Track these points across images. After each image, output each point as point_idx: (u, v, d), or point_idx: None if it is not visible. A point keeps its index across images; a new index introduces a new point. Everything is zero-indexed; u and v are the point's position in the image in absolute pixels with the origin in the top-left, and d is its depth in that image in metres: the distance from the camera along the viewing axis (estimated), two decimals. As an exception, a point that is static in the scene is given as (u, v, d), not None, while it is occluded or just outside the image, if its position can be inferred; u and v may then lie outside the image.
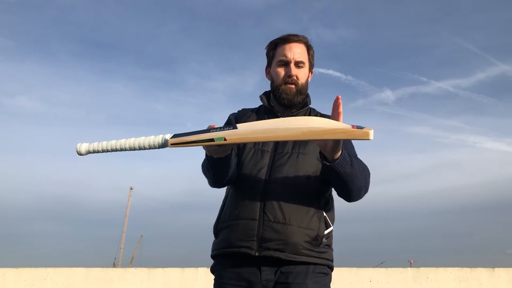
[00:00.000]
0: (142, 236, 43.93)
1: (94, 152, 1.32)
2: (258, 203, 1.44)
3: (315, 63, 1.69)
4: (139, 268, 5.68)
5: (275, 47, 1.64)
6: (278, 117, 1.58)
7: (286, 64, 1.59)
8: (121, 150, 1.31)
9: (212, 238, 1.56)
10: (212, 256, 1.56)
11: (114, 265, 36.92)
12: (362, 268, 5.79)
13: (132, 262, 41.57)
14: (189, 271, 5.51)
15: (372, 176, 1.60)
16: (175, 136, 1.26)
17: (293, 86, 1.58)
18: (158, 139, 1.28)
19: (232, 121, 1.66)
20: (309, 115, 1.63)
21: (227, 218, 1.49)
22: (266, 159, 1.50)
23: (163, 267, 5.61)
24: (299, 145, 1.51)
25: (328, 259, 1.48)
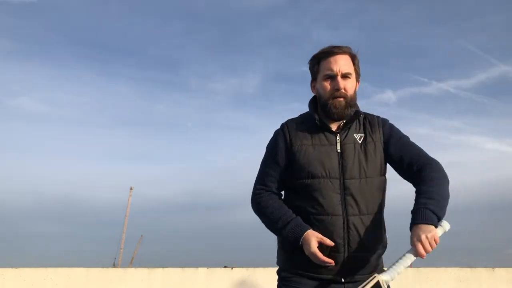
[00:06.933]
0: (142, 236, 43.86)
1: None
2: (342, 236, 1.47)
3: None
4: (139, 268, 5.67)
5: (318, 61, 1.60)
6: (333, 133, 1.57)
7: (332, 77, 1.55)
8: None
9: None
10: (283, 269, 1.60)
11: (114, 265, 36.91)
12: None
13: (132, 262, 41.52)
14: (189, 271, 5.51)
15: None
16: None
17: (342, 99, 1.54)
18: None
19: (281, 145, 1.60)
20: (359, 123, 1.60)
21: None
22: (337, 188, 1.49)
23: (163, 267, 5.61)
24: (364, 170, 1.53)
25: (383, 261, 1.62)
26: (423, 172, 1.48)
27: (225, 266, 5.37)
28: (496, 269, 5.85)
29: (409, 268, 5.94)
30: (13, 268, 5.35)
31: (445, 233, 1.38)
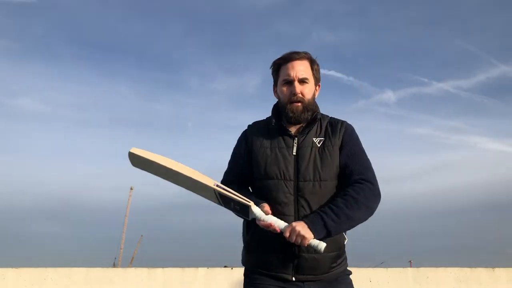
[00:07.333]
0: (142, 236, 43.84)
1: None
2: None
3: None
4: (139, 268, 5.67)
5: (278, 67, 1.66)
6: (291, 137, 1.61)
7: (290, 82, 1.61)
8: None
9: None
10: (247, 269, 1.67)
11: (114, 265, 36.88)
12: (362, 268, 5.79)
13: (132, 262, 41.49)
14: (189, 271, 5.51)
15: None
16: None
17: (299, 104, 1.60)
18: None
19: (242, 145, 1.69)
20: (320, 127, 1.64)
21: (261, 239, 1.56)
22: (291, 189, 1.55)
23: (163, 267, 5.61)
24: (318, 173, 1.56)
25: (346, 264, 1.64)
26: (350, 188, 1.53)
27: (225, 266, 5.38)
28: (496, 269, 5.85)
29: (409, 268, 5.94)
30: (13, 268, 5.36)
31: (313, 247, 1.45)
